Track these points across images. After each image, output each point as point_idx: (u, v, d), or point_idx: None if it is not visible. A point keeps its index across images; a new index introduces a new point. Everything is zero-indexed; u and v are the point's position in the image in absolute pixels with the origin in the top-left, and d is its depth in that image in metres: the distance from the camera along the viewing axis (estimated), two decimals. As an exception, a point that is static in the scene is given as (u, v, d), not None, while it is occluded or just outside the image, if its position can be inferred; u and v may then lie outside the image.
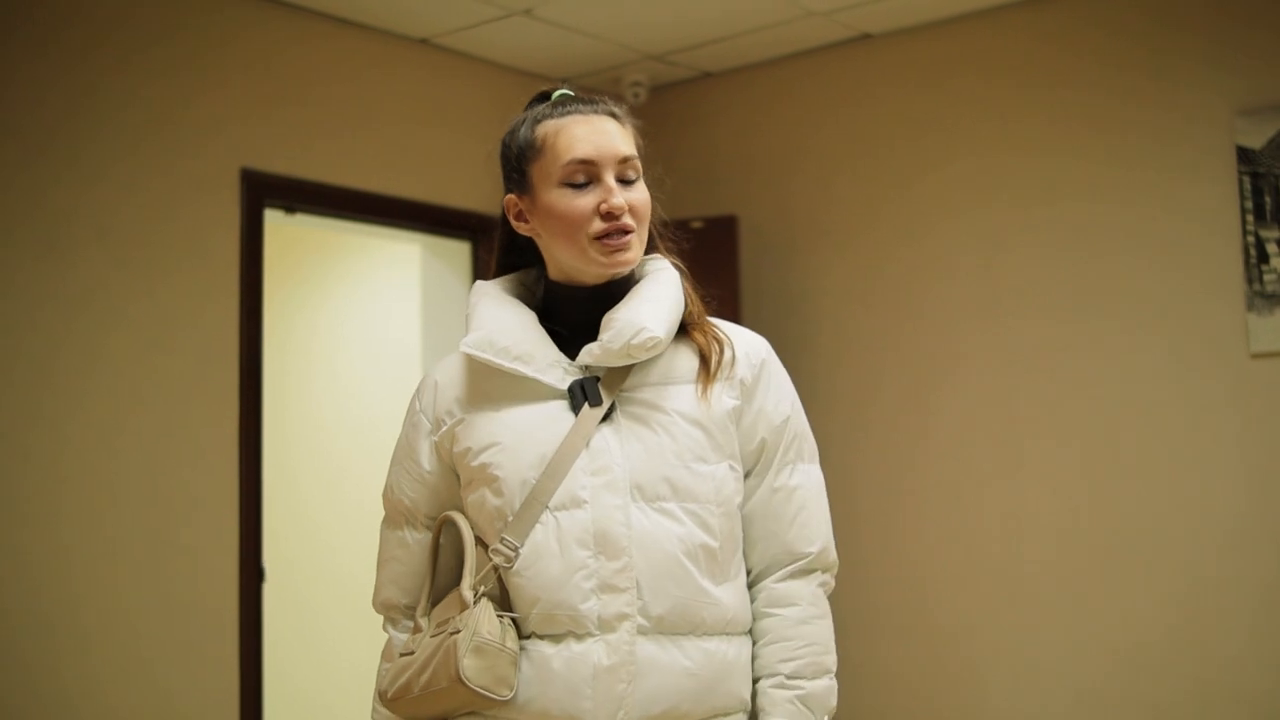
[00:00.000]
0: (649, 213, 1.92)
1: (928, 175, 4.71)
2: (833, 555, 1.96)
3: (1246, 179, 4.01)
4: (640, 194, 1.90)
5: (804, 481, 1.95)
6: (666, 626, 1.81)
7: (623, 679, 1.78)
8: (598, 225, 1.85)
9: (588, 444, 1.83)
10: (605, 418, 1.85)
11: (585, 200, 1.86)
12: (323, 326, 5.72)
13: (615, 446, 1.83)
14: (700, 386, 1.88)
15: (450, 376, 1.97)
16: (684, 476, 1.83)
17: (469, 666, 1.75)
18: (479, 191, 4.57)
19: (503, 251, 2.03)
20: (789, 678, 1.86)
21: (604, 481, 1.82)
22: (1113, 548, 4.22)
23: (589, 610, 1.80)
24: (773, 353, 1.99)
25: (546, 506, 1.82)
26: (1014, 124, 4.54)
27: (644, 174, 1.94)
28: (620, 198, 1.86)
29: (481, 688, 1.75)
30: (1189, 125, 4.17)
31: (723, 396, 1.88)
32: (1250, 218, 4.00)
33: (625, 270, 1.90)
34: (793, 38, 4.88)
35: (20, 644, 3.57)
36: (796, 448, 1.95)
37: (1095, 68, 4.37)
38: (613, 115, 1.92)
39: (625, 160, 1.89)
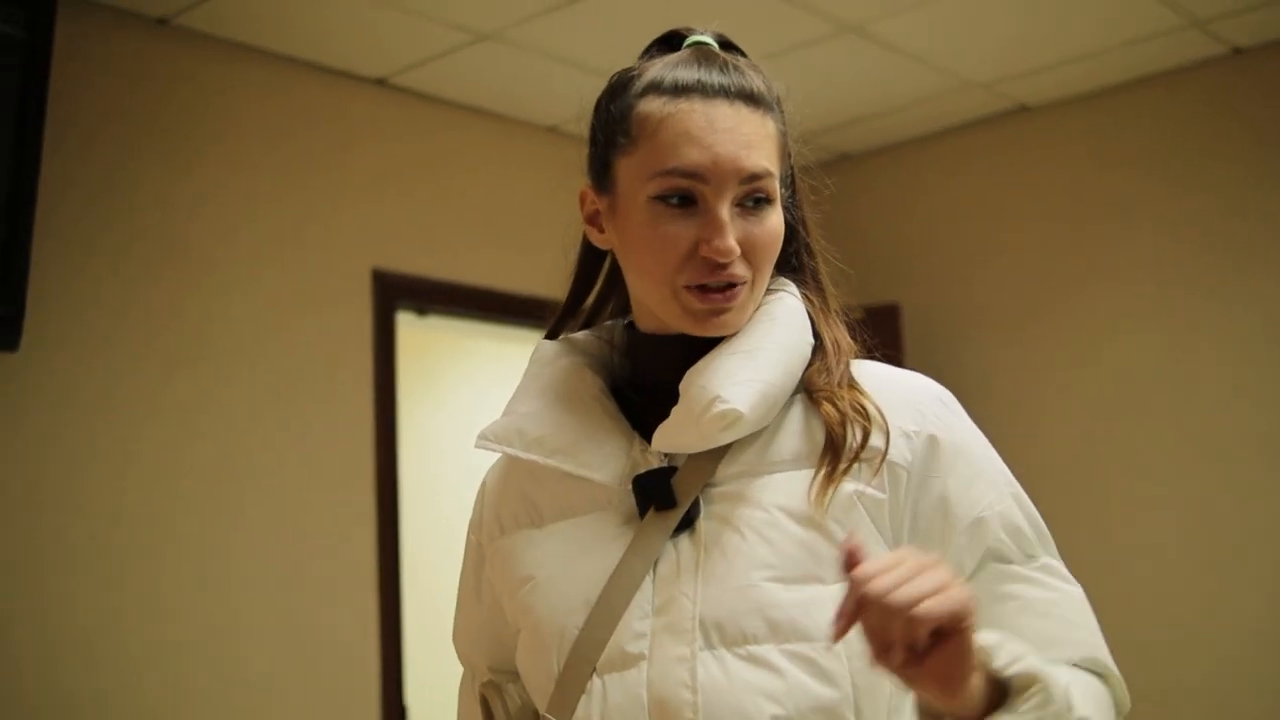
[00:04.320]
0: (776, 251, 1.32)
1: (1104, 257, 4.34)
2: (1122, 685, 1.28)
3: None
4: (767, 226, 1.30)
5: (1041, 594, 1.27)
6: None
7: None
8: (691, 271, 1.28)
9: (654, 568, 1.27)
10: (685, 526, 1.28)
11: (682, 230, 1.27)
12: (457, 433, 5.45)
13: (690, 568, 1.26)
14: (817, 476, 1.27)
15: (496, 479, 1.46)
16: (787, 605, 1.22)
17: None
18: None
19: (583, 276, 1.45)
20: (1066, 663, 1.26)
21: (666, 622, 1.24)
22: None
23: None
24: (953, 411, 1.34)
25: (594, 668, 1.27)
26: (1197, 198, 4.16)
27: (786, 188, 1.36)
28: (730, 238, 1.26)
29: None
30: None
31: (850, 483, 1.27)
32: None
33: (724, 334, 1.32)
34: (942, 113, 4.59)
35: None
36: (1020, 547, 1.29)
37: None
38: (753, 100, 1.31)
39: (751, 179, 1.28)
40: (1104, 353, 4.31)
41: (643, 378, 1.39)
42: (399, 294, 4.00)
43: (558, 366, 1.41)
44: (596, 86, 1.41)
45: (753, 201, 1.30)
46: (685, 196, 1.28)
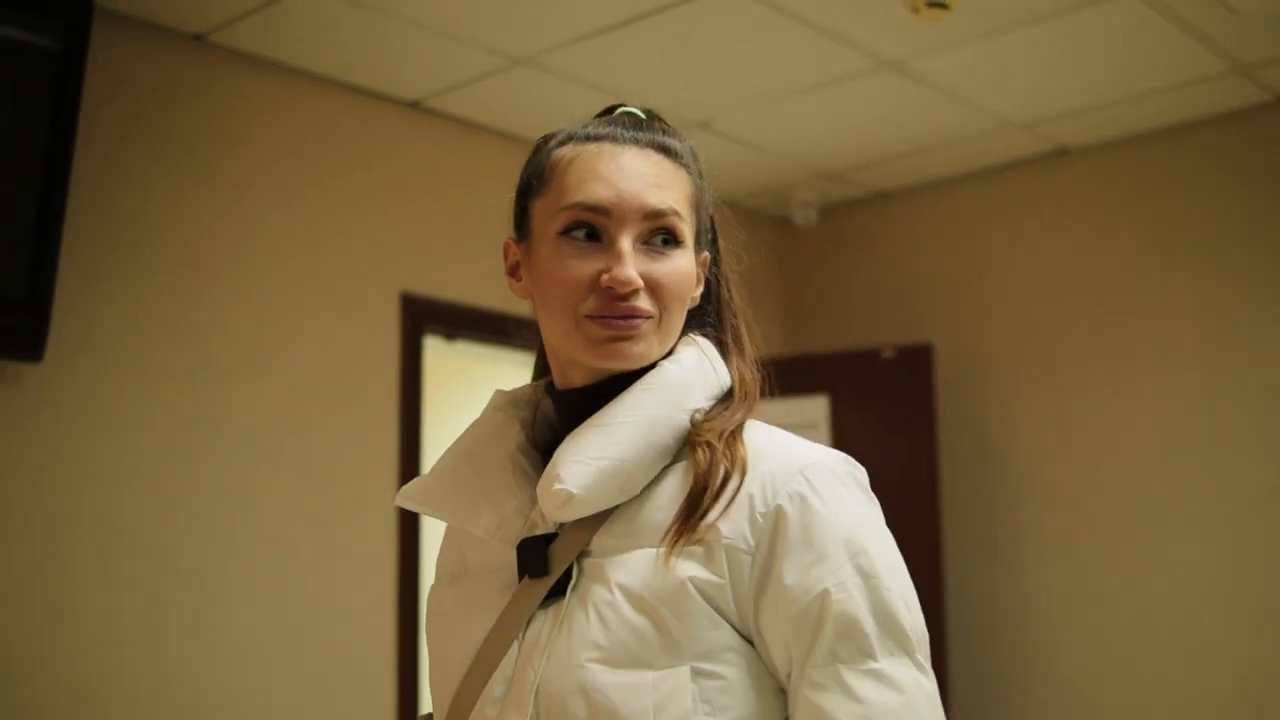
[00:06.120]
0: (684, 292, 1.32)
1: (1140, 302, 4.28)
2: None
3: None
4: (673, 265, 1.31)
5: (853, 708, 1.17)
6: None
7: None
8: (594, 302, 1.29)
9: (523, 635, 1.27)
10: (558, 594, 1.27)
11: (586, 264, 1.29)
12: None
13: (545, 640, 1.25)
14: (673, 528, 1.24)
15: (448, 528, 1.49)
16: (607, 688, 1.20)
17: None
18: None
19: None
20: None
21: (515, 693, 1.25)
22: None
23: None
24: (816, 488, 1.25)
25: None
26: (1240, 242, 4.10)
27: (704, 245, 1.38)
28: (629, 268, 1.27)
29: None
30: None
31: (685, 566, 1.23)
32: None
33: (626, 368, 1.31)
34: (981, 152, 4.54)
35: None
36: (853, 642, 1.20)
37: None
38: (665, 150, 1.34)
39: (655, 215, 1.30)
40: (1141, 397, 4.24)
41: (561, 435, 1.37)
42: (427, 318, 3.97)
43: (490, 420, 1.42)
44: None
45: (660, 240, 1.32)
46: (591, 232, 1.31)
